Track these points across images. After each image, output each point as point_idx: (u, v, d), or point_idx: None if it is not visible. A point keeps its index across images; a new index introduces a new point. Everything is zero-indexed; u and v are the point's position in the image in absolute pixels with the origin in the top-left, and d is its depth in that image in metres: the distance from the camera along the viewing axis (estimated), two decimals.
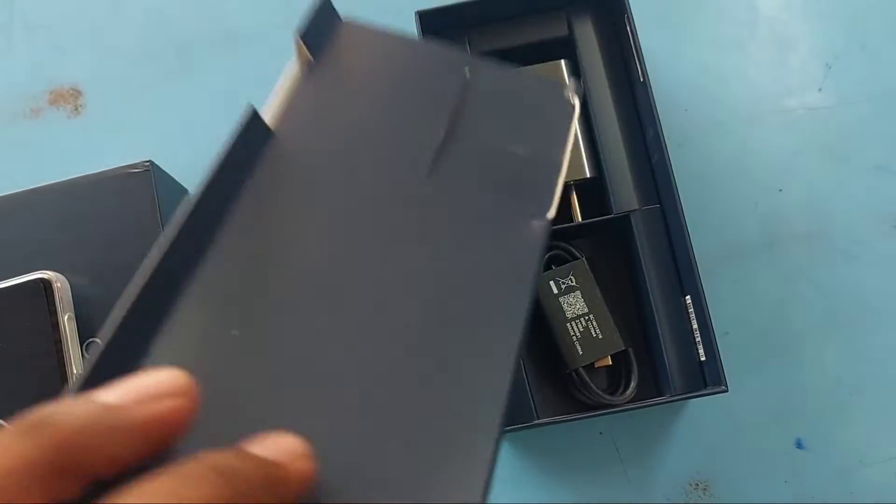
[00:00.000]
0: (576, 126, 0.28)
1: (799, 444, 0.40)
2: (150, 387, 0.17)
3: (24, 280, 0.36)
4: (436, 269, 0.23)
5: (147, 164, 0.39)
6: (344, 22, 0.29)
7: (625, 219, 0.39)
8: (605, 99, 0.40)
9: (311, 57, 0.29)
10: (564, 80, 0.40)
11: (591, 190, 0.40)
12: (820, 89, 0.44)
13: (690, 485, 0.39)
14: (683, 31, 0.45)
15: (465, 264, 0.24)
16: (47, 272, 0.36)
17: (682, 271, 0.38)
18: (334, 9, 0.29)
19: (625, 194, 0.39)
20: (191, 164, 0.44)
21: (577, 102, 0.28)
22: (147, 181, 0.39)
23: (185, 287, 0.22)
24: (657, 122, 0.37)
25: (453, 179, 0.25)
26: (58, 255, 0.38)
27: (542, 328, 0.39)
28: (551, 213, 0.25)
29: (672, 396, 0.36)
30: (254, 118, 0.25)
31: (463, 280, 0.23)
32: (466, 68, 0.28)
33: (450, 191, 0.25)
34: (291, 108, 0.27)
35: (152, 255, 0.22)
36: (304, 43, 0.28)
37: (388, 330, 0.22)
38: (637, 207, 0.39)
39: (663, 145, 0.37)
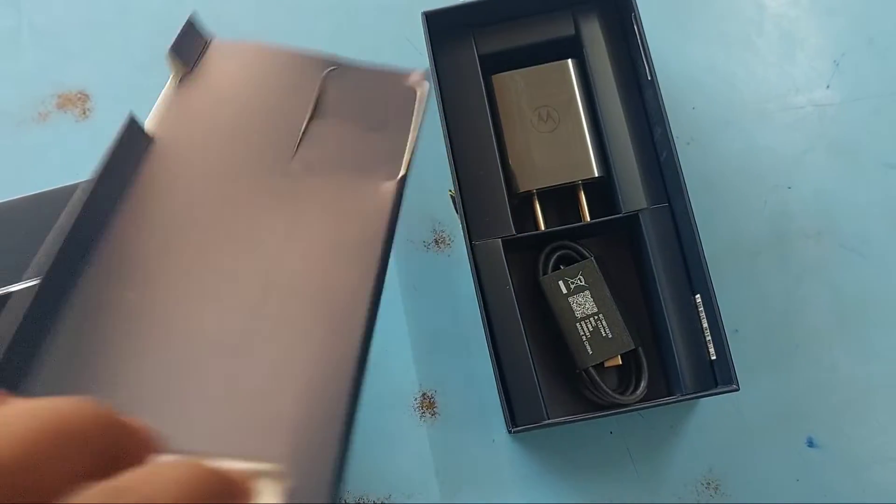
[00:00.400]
0: (423, 107, 0.32)
1: (811, 443, 0.39)
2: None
3: (31, 285, 0.36)
4: (297, 244, 0.27)
5: None
6: (215, 39, 0.34)
7: (633, 218, 0.39)
8: (613, 98, 0.40)
9: (183, 69, 0.34)
10: (572, 80, 0.40)
11: (600, 189, 0.40)
12: (828, 86, 0.44)
13: (702, 484, 0.39)
14: (691, 29, 0.45)
15: (326, 234, 0.27)
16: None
17: (691, 270, 0.38)
18: (200, 28, 0.35)
19: (633, 193, 0.39)
20: None
21: (422, 89, 0.32)
22: None
23: (82, 268, 0.27)
24: (665, 120, 0.37)
25: (315, 162, 0.29)
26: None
27: (551, 328, 0.39)
28: (402, 172, 0.29)
29: (682, 396, 0.36)
30: (132, 124, 0.30)
31: (322, 249, 0.26)
32: (327, 70, 0.33)
33: (312, 171, 0.29)
34: (169, 114, 0.32)
35: (52, 239, 0.26)
36: (176, 56, 0.33)
37: (246, 303, 0.25)
38: (646, 206, 0.39)
39: (671, 144, 0.36)
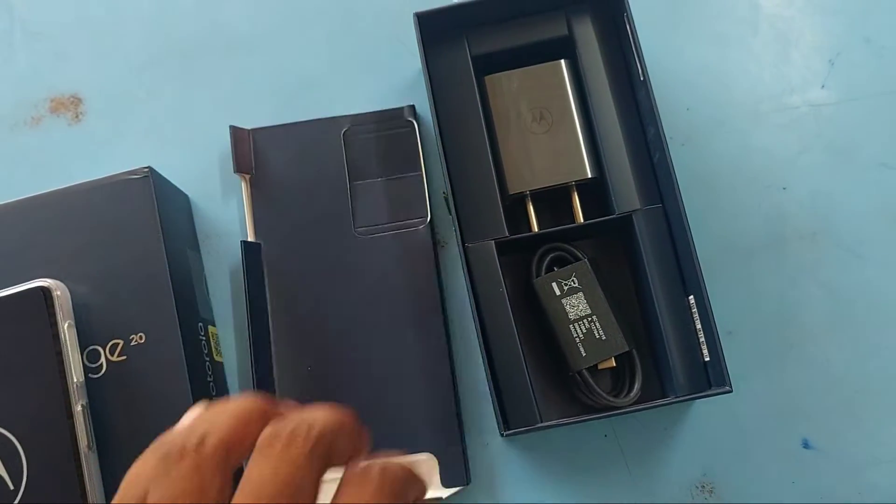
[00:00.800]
0: (419, 141, 0.43)
1: (806, 444, 0.39)
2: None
3: (25, 288, 0.36)
4: (379, 295, 0.41)
5: (146, 170, 0.39)
6: (251, 130, 0.43)
7: (627, 219, 0.38)
8: (606, 98, 0.40)
9: (249, 174, 0.43)
10: (565, 81, 0.40)
11: (593, 190, 0.40)
12: (823, 86, 0.43)
13: (696, 486, 0.39)
14: (685, 29, 0.44)
15: (395, 283, 0.41)
16: (47, 280, 0.36)
17: (684, 271, 0.37)
18: (240, 130, 0.43)
19: (627, 194, 0.39)
20: (191, 170, 0.44)
21: (413, 121, 0.43)
22: (146, 187, 0.39)
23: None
24: (658, 120, 0.36)
25: (369, 224, 0.42)
26: (58, 262, 0.38)
27: (544, 330, 0.39)
28: (428, 217, 0.42)
29: (676, 398, 0.36)
30: (244, 244, 0.41)
31: (396, 294, 0.41)
32: (343, 130, 0.43)
33: (369, 232, 0.42)
34: (258, 218, 0.42)
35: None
36: (240, 169, 0.43)
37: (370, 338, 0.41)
38: (639, 207, 0.38)
39: (664, 144, 0.36)
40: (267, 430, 0.20)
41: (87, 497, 0.34)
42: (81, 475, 0.34)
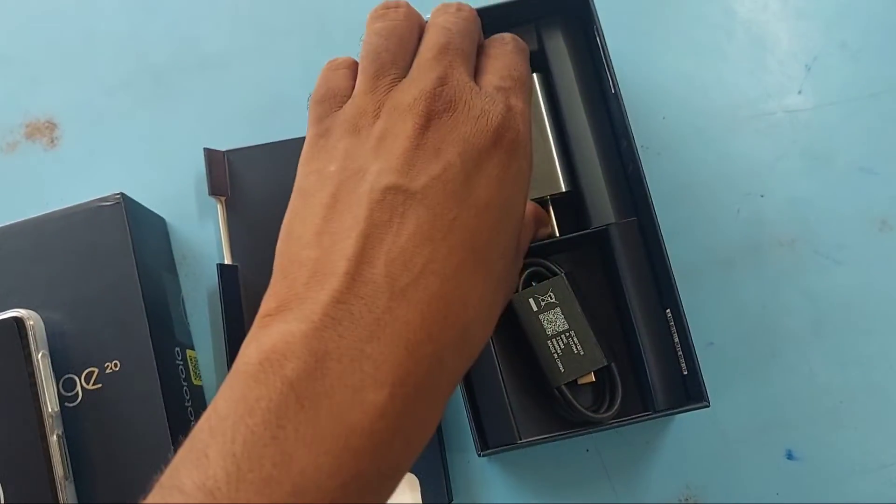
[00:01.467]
0: None
1: (790, 455, 0.39)
2: None
3: None
4: None
5: (118, 196, 0.39)
6: (226, 151, 0.43)
7: (603, 232, 0.38)
8: (579, 111, 0.40)
9: (223, 197, 0.43)
10: (537, 95, 0.40)
11: (568, 204, 0.40)
12: (800, 91, 0.43)
13: (680, 500, 0.39)
14: (659, 37, 0.44)
15: None
16: (20, 310, 0.36)
17: (661, 284, 0.37)
18: (214, 153, 0.43)
19: (602, 207, 0.38)
20: (167, 192, 0.44)
21: None
22: (119, 214, 0.38)
23: None
24: (630, 133, 0.36)
25: None
26: (31, 291, 0.38)
27: (522, 346, 0.38)
28: None
29: (655, 413, 0.36)
30: (220, 267, 0.41)
31: None
32: None
33: None
34: (234, 241, 0.42)
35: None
36: (215, 193, 0.43)
37: None
38: (614, 221, 0.38)
39: (636, 156, 0.36)
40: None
41: None
42: None
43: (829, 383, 0.39)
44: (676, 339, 0.36)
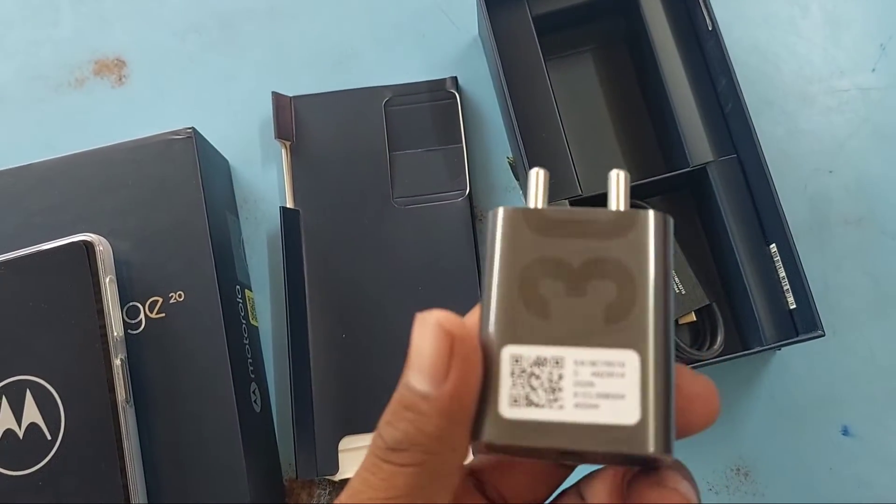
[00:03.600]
0: (460, 112, 0.43)
1: (846, 432, 0.39)
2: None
3: (68, 242, 0.36)
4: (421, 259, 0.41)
5: (190, 130, 0.39)
6: (292, 98, 0.43)
7: (701, 171, 0.38)
8: (672, 52, 0.40)
9: (289, 142, 0.43)
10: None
11: (658, 146, 0.40)
12: (873, 70, 0.43)
13: (731, 470, 0.38)
14: (734, 9, 0.44)
15: (432, 255, 0.41)
16: (90, 235, 0.36)
17: (764, 219, 0.37)
18: (282, 98, 0.43)
19: (699, 147, 0.39)
20: (231, 136, 0.44)
21: (455, 92, 0.43)
22: (190, 148, 0.39)
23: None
24: (731, 70, 0.36)
25: (407, 195, 0.42)
26: (101, 219, 0.38)
27: None
28: (467, 190, 0.42)
29: (764, 346, 0.35)
30: (283, 210, 0.41)
31: (432, 266, 0.41)
32: (384, 101, 0.43)
33: (407, 202, 0.42)
34: (298, 186, 0.42)
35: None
36: (281, 137, 0.43)
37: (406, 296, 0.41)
38: (713, 159, 0.38)
39: (739, 93, 0.36)
40: None
41: (123, 450, 0.34)
42: (119, 428, 0.34)
43: (889, 364, 0.39)
44: (781, 274, 0.36)
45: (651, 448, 0.19)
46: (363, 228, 0.42)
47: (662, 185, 0.40)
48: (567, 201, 0.38)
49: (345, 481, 0.39)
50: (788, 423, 0.39)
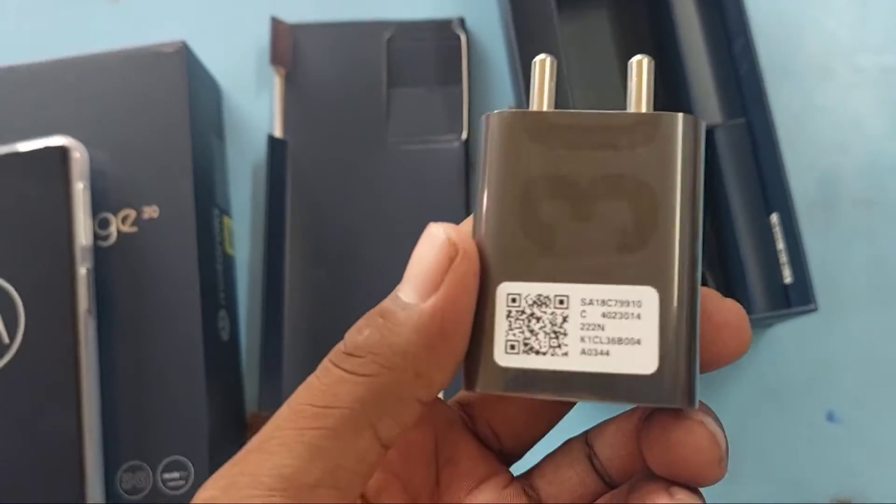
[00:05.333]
0: (465, 55, 0.40)
1: (831, 417, 0.37)
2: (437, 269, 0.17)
3: (44, 146, 0.35)
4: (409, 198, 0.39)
5: (180, 44, 0.38)
6: (292, 25, 0.41)
7: (707, 134, 0.36)
8: (690, 9, 0.38)
9: (285, 70, 0.41)
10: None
11: (667, 106, 0.38)
12: None
13: None
14: None
15: (422, 198, 0.39)
16: (67, 139, 0.35)
17: (769, 187, 0.36)
18: (281, 23, 0.41)
19: (707, 108, 0.37)
20: (225, 60, 0.42)
21: (462, 34, 0.40)
22: (179, 62, 0.37)
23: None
24: (748, 30, 0.35)
25: (402, 132, 0.40)
26: (81, 126, 0.36)
27: None
28: (464, 135, 0.39)
29: (755, 316, 0.34)
30: (271, 140, 0.39)
31: (421, 210, 0.39)
32: (387, 36, 0.41)
33: (402, 141, 0.40)
34: (289, 116, 0.40)
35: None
36: (277, 63, 0.41)
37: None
38: (720, 122, 0.36)
39: (755, 55, 0.35)
40: None
41: (79, 360, 0.33)
42: (77, 338, 0.33)
43: (883, 351, 0.37)
44: (780, 246, 0.35)
45: (672, 401, 0.16)
46: (353, 166, 0.40)
47: None
48: None
49: None
50: (773, 403, 0.37)
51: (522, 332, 0.17)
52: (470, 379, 0.17)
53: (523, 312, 0.17)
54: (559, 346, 0.17)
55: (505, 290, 0.17)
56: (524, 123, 0.18)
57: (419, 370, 0.17)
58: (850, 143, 0.40)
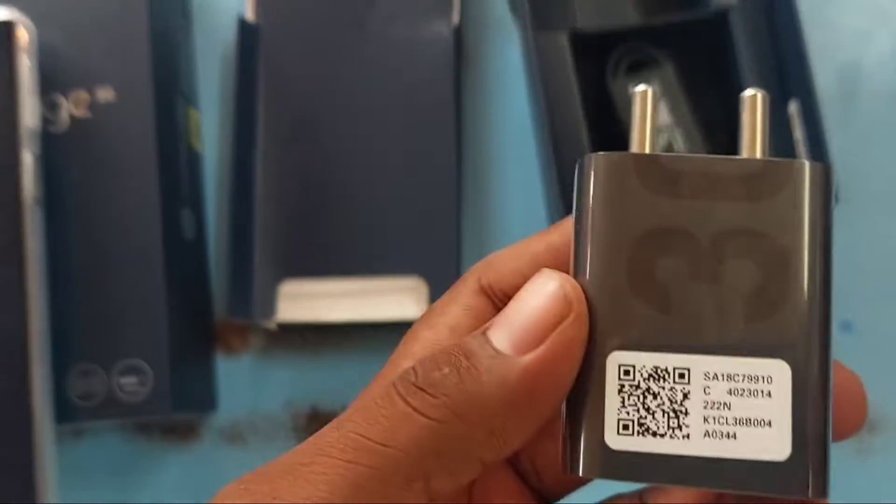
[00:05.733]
0: None
1: (847, 327, 0.34)
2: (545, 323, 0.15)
3: None
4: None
5: None
6: None
7: (722, 16, 0.33)
8: None
9: None
10: None
11: None
12: None
13: None
14: None
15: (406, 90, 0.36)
16: (11, 12, 0.32)
17: (789, 71, 0.32)
18: None
19: None
20: None
21: None
22: None
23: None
24: None
25: (387, 12, 0.36)
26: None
27: (618, 141, 0.34)
28: (455, 21, 0.36)
29: None
30: (242, 24, 0.36)
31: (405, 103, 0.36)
32: None
33: (386, 22, 0.36)
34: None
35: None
36: None
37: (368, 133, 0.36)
38: (736, 3, 0.33)
39: None
40: None
41: (24, 251, 0.30)
42: (22, 227, 0.30)
43: None
44: (797, 135, 0.32)
45: (804, 493, 0.15)
46: (331, 54, 0.37)
47: (677, 31, 0.34)
48: (566, 33, 0.32)
49: (285, 329, 0.35)
50: None
51: (637, 411, 0.15)
52: (572, 460, 0.16)
53: (638, 387, 0.15)
54: (679, 426, 0.15)
55: (616, 360, 0.15)
56: (636, 168, 0.16)
57: (494, 429, 0.15)
58: (875, 32, 0.36)
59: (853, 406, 0.16)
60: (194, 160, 0.36)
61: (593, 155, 0.16)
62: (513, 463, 0.19)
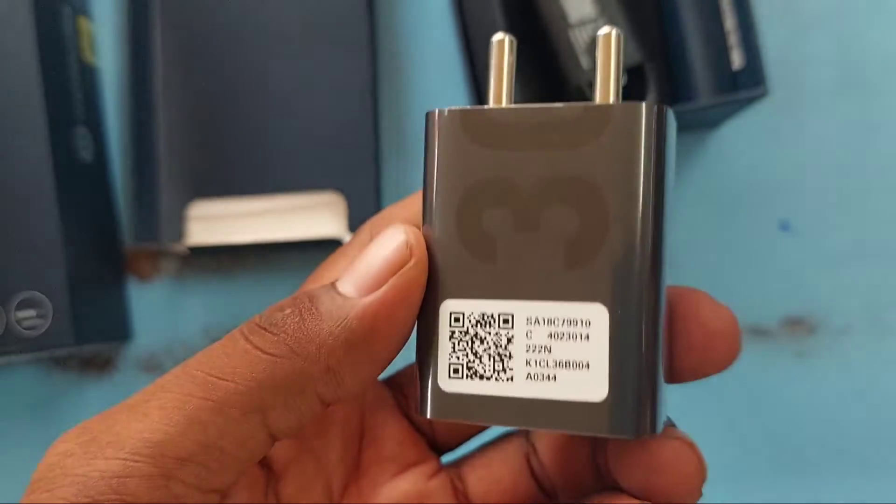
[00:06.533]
0: None
1: (785, 226, 0.33)
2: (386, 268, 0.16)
3: None
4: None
5: None
6: None
7: None
8: None
9: None
10: None
11: None
12: None
13: None
14: None
15: None
16: None
17: None
18: None
19: None
20: None
21: None
22: None
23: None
24: None
25: None
26: None
27: (537, 36, 0.31)
28: None
29: (699, 104, 0.29)
30: None
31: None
32: None
33: None
34: None
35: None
36: None
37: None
38: None
39: None
40: None
41: None
42: None
43: (846, 153, 0.33)
44: (728, 27, 0.30)
45: (622, 432, 0.15)
46: None
47: None
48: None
49: (198, 253, 0.33)
50: (721, 212, 0.33)
51: (466, 355, 0.16)
52: (421, 403, 0.17)
53: (466, 333, 0.16)
54: (504, 369, 0.16)
55: (448, 308, 0.16)
56: (463, 122, 0.16)
57: (331, 366, 0.15)
58: None
59: (724, 339, 0.17)
60: (88, 75, 0.33)
61: (429, 111, 0.17)
62: (406, 412, 0.20)
